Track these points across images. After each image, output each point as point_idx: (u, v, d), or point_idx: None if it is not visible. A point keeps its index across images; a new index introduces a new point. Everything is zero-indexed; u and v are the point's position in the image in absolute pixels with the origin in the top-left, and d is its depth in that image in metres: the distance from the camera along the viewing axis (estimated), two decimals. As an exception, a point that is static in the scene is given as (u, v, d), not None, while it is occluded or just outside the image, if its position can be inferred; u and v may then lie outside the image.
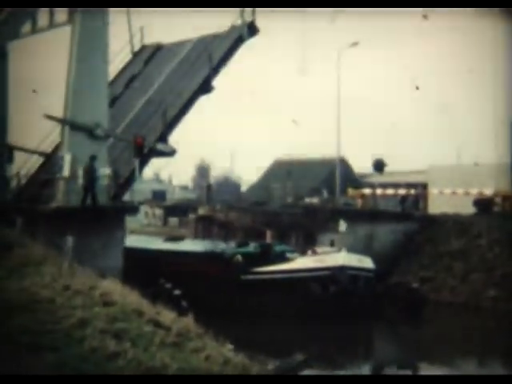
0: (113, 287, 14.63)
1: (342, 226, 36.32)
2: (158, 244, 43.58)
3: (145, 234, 52.82)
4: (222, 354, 10.11)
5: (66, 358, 9.09)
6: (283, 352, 21.03)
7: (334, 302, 32.50)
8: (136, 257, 37.49)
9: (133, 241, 43.94)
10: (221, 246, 39.63)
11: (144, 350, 9.63)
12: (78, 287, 13.94)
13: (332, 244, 38.34)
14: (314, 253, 36.50)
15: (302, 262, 35.30)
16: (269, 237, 41.63)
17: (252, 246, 38.23)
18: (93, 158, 30.23)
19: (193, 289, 34.50)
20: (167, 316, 12.45)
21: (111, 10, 31.92)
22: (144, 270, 32.91)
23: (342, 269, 34.08)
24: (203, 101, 36.95)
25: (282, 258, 36.31)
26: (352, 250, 36.21)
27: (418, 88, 50.08)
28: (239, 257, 36.36)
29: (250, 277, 35.12)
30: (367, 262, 35.63)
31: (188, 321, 12.38)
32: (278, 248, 37.97)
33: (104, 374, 8.31)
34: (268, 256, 36.43)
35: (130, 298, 13.86)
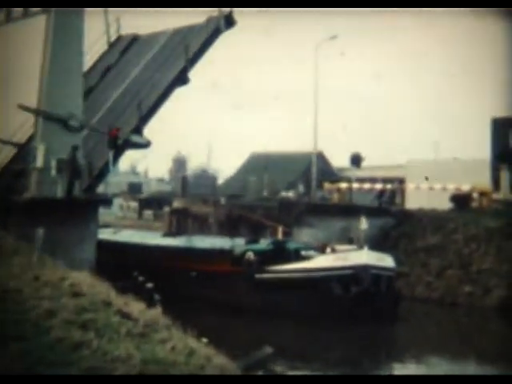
0: (82, 278, 14.62)
1: (364, 223, 34.74)
2: (157, 239, 41.29)
3: (120, 227, 51.95)
4: (188, 345, 10.05)
5: (32, 347, 9.03)
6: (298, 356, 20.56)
7: (356, 303, 31.30)
8: (133, 253, 36.60)
9: (127, 236, 42.78)
10: (228, 242, 37.45)
11: (109, 340, 9.60)
12: (48, 278, 13.97)
13: (351, 241, 36.51)
14: (333, 251, 35.07)
15: (322, 261, 33.62)
16: (280, 233, 39.87)
17: (264, 243, 36.76)
18: (75, 149, 29.98)
19: (201, 288, 33.78)
20: (135, 307, 12.41)
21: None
22: (144, 269, 31.81)
23: (365, 268, 32.30)
24: (180, 92, 36.79)
25: (296, 255, 34.82)
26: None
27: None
28: (251, 254, 34.75)
29: (265, 276, 33.71)
30: (388, 261, 34.05)
31: (156, 312, 12.31)
32: (291, 245, 36.48)
33: (102, 374, 8.23)
34: (282, 253, 34.94)
35: (99, 289, 13.82)
